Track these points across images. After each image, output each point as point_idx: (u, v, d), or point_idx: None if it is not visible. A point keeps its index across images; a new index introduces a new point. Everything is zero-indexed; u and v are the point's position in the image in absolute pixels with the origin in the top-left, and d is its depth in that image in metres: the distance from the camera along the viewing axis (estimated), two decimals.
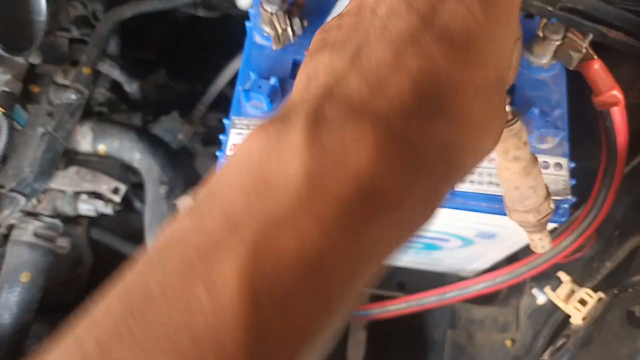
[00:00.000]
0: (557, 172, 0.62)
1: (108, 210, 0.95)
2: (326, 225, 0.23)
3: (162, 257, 0.24)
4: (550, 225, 0.66)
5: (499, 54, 0.29)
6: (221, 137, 0.63)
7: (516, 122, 0.45)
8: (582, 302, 0.70)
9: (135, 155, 0.97)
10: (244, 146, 0.26)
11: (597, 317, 0.66)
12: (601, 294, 0.69)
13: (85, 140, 0.95)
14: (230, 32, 0.82)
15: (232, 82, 1.01)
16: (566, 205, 0.62)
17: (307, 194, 0.24)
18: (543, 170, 0.61)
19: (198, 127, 1.11)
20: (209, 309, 0.22)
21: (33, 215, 0.91)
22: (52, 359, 0.23)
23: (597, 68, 0.62)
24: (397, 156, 0.25)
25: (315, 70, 0.27)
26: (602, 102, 0.63)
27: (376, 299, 1.11)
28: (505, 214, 0.63)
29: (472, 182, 0.62)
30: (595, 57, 0.62)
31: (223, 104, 0.83)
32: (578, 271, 0.79)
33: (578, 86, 0.65)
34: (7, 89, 0.80)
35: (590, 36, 0.62)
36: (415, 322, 1.22)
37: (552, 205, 0.53)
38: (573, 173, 0.62)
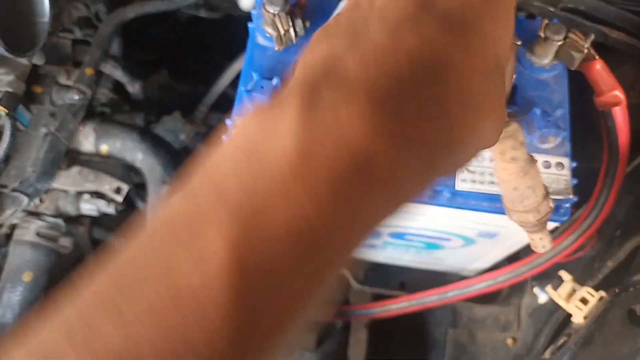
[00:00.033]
0: (558, 171, 0.62)
1: (110, 210, 0.95)
2: (318, 197, 0.23)
3: (153, 235, 0.24)
4: (552, 225, 0.66)
5: (497, 43, 0.29)
6: (224, 137, 0.63)
7: (512, 123, 0.45)
8: (584, 301, 0.70)
9: (138, 155, 0.97)
10: (240, 129, 0.26)
11: (598, 316, 0.66)
12: (602, 293, 0.69)
13: (87, 140, 0.95)
14: (232, 32, 0.82)
15: (234, 83, 1.01)
16: (567, 205, 0.62)
17: (300, 167, 0.23)
18: (544, 170, 0.61)
19: (200, 128, 1.11)
20: (196, 281, 0.22)
21: (35, 215, 0.91)
22: (37, 332, 0.23)
23: (598, 68, 0.63)
24: (392, 130, 0.24)
25: (313, 58, 0.27)
26: (603, 102, 0.63)
27: (377, 298, 1.12)
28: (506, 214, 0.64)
29: (473, 181, 0.63)
30: (597, 57, 0.63)
31: (225, 105, 0.83)
32: (579, 270, 0.79)
33: (580, 86, 0.65)
34: (10, 90, 0.80)
35: (592, 36, 0.62)
36: (417, 321, 1.22)
37: (552, 204, 0.53)
38: (574, 173, 0.62)
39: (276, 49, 0.65)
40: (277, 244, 0.22)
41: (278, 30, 0.63)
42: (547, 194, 0.52)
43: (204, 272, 0.22)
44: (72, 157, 0.95)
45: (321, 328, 1.24)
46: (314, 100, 0.25)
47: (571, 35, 0.62)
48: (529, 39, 0.65)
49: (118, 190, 0.95)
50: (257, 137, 0.25)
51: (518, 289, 0.99)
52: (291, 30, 0.64)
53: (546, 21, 0.62)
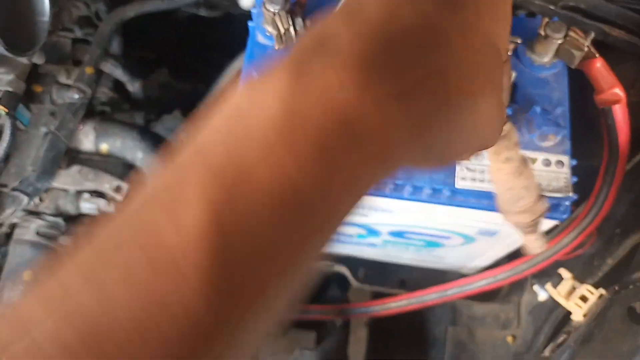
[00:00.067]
0: (558, 169, 0.62)
1: (110, 209, 0.95)
2: (302, 157, 0.23)
3: (135, 203, 0.23)
4: (552, 223, 0.66)
5: (494, 25, 0.29)
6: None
7: (506, 123, 0.45)
8: (583, 298, 0.70)
9: (138, 154, 0.97)
10: (230, 100, 0.25)
11: (598, 313, 0.67)
12: (602, 291, 0.69)
13: (87, 139, 0.95)
14: (233, 31, 0.82)
15: None
16: (567, 203, 0.62)
17: (284, 128, 0.23)
18: (544, 168, 0.62)
19: None
20: (173, 242, 0.21)
21: (35, 214, 0.91)
22: (15, 302, 0.22)
23: (598, 66, 0.63)
24: (383, 94, 0.24)
25: (309, 36, 0.27)
26: (603, 100, 0.63)
27: (377, 296, 1.12)
28: None
29: (473, 179, 0.63)
30: (597, 55, 0.63)
31: None
32: (579, 268, 0.79)
33: (580, 84, 0.65)
34: (10, 89, 0.80)
35: (592, 34, 0.62)
36: (417, 319, 1.22)
37: (546, 204, 0.53)
38: (574, 171, 0.62)
39: (276, 47, 0.65)
40: (259, 204, 0.22)
41: (278, 29, 0.63)
42: (541, 194, 0.52)
43: (181, 233, 0.21)
44: (72, 156, 0.95)
45: (321, 327, 1.24)
46: (304, 69, 0.24)
47: (571, 33, 0.62)
48: (529, 37, 0.65)
49: (118, 189, 0.95)
50: (245, 105, 0.24)
51: (518, 286, 0.99)
52: (291, 29, 0.64)
53: (546, 19, 0.62)
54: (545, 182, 0.62)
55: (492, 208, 0.63)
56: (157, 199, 0.23)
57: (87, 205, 0.94)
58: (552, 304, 0.83)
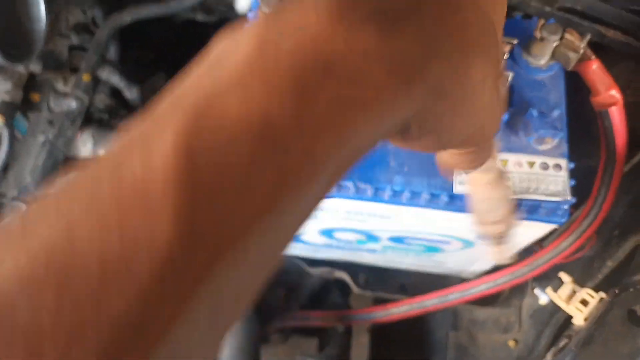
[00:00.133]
0: (556, 173, 0.62)
1: None
2: (276, 88, 0.21)
3: (110, 149, 0.22)
4: (550, 226, 0.66)
5: (490, 4, 0.28)
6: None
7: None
8: (584, 302, 0.70)
9: None
10: (208, 51, 0.24)
11: (598, 316, 0.66)
12: (602, 294, 0.69)
13: (86, 147, 0.95)
14: None
15: None
16: (566, 206, 0.62)
17: (258, 59, 0.22)
18: (542, 171, 0.62)
19: None
20: (139, 175, 0.20)
21: None
22: None
23: (595, 68, 0.63)
24: (367, 29, 0.23)
25: None
26: (600, 102, 0.63)
27: (378, 301, 1.12)
28: None
29: None
30: (593, 57, 0.63)
31: None
32: (579, 271, 0.79)
33: (575, 86, 0.65)
34: (7, 98, 0.80)
35: (588, 36, 0.62)
36: (418, 324, 1.22)
37: (516, 219, 0.53)
38: (572, 173, 0.62)
39: None
40: (230, 135, 0.21)
41: None
42: (513, 208, 0.52)
43: (148, 164, 0.20)
44: (71, 164, 0.95)
45: (323, 333, 1.24)
46: (281, 10, 0.24)
47: (567, 35, 0.62)
48: (525, 39, 0.65)
49: None
50: (220, 49, 0.24)
51: (518, 290, 0.99)
52: None
53: (542, 21, 0.62)
54: (543, 186, 0.62)
55: None
56: (130, 141, 0.22)
57: None
58: (553, 307, 0.82)
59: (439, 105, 0.26)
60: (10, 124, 0.80)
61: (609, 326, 0.64)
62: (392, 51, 0.23)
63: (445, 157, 0.36)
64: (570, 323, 0.72)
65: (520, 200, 0.62)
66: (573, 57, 0.62)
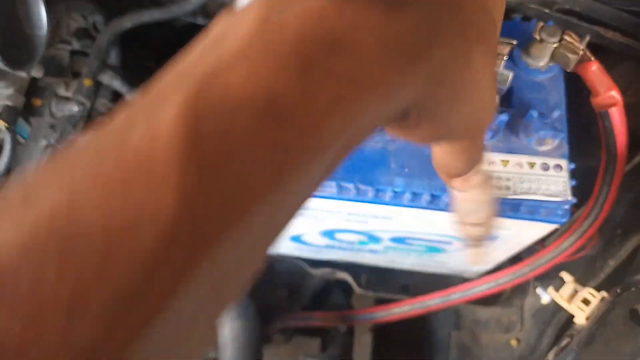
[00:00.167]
0: (557, 173, 0.62)
1: None
2: (281, 63, 0.21)
3: (112, 120, 0.22)
4: (552, 227, 0.66)
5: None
6: None
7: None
8: (585, 301, 0.70)
9: None
10: (211, 29, 0.24)
11: (600, 316, 0.67)
12: (604, 294, 0.69)
13: None
14: None
15: None
16: (567, 207, 0.63)
17: (262, 34, 0.22)
18: (543, 172, 0.62)
19: None
20: (143, 145, 0.20)
21: None
22: None
23: (594, 69, 0.63)
24: (367, 3, 0.23)
25: None
26: (600, 103, 0.63)
27: (380, 301, 1.12)
28: (506, 216, 0.64)
29: None
30: (593, 58, 0.63)
31: None
32: (581, 270, 0.79)
33: (576, 87, 0.66)
34: (9, 103, 0.80)
35: (587, 38, 0.62)
36: (420, 324, 1.22)
37: (496, 224, 0.54)
38: (573, 174, 0.62)
39: None
40: (235, 109, 0.20)
41: None
42: (495, 212, 0.53)
43: (152, 134, 0.20)
44: None
45: (325, 333, 1.24)
46: None
47: (566, 37, 0.62)
48: (524, 41, 0.66)
49: None
50: (223, 26, 0.24)
51: (520, 289, 0.99)
52: None
53: (541, 23, 0.62)
54: (544, 186, 0.62)
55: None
56: (133, 111, 0.21)
57: None
58: (555, 306, 0.82)
59: (440, 92, 0.27)
60: (12, 129, 0.80)
61: (610, 325, 0.64)
62: (398, 32, 0.23)
63: (438, 154, 0.37)
64: (572, 322, 0.72)
65: (521, 200, 0.63)
66: (572, 58, 0.62)
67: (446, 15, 0.25)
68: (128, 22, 0.92)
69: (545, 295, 0.89)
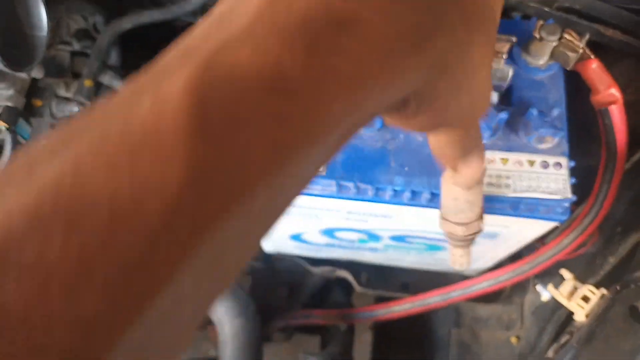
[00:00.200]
0: (556, 171, 0.62)
1: None
2: (288, 40, 0.21)
3: (116, 94, 0.22)
4: (551, 224, 0.66)
5: None
6: None
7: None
8: (585, 299, 0.70)
9: None
10: (215, 8, 0.24)
11: (600, 313, 0.67)
12: (604, 291, 0.69)
13: None
14: None
15: None
16: (566, 204, 0.63)
17: (269, 11, 0.22)
18: (543, 170, 0.62)
19: None
20: (150, 117, 0.19)
21: None
22: None
23: (594, 67, 0.63)
24: None
25: None
26: (600, 101, 0.63)
27: (380, 300, 1.12)
28: (506, 214, 0.64)
29: None
30: (592, 56, 0.63)
31: None
32: (581, 267, 0.79)
33: (575, 85, 0.66)
34: (10, 104, 0.80)
35: (587, 36, 0.62)
36: (420, 322, 1.23)
37: (481, 227, 0.53)
38: (573, 172, 0.63)
39: None
40: (242, 84, 0.20)
41: None
42: (481, 215, 0.53)
43: (158, 107, 0.20)
44: None
45: (325, 331, 1.24)
46: None
47: (566, 35, 0.62)
48: (524, 39, 0.66)
49: None
50: (229, 3, 0.23)
51: (520, 287, 1.00)
52: None
53: (541, 22, 0.62)
54: (544, 184, 0.62)
55: (491, 211, 0.63)
56: (139, 85, 0.21)
57: None
58: (555, 304, 0.83)
59: (441, 80, 0.27)
60: (13, 130, 0.81)
61: (610, 323, 0.64)
62: (404, 17, 0.23)
63: (433, 142, 0.37)
64: (572, 320, 0.73)
65: (521, 198, 0.63)
66: (572, 56, 0.62)
67: (449, 4, 0.25)
68: (128, 22, 0.92)
69: (545, 293, 0.89)
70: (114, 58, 1.00)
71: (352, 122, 0.24)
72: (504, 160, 0.64)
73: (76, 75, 0.94)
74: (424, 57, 0.25)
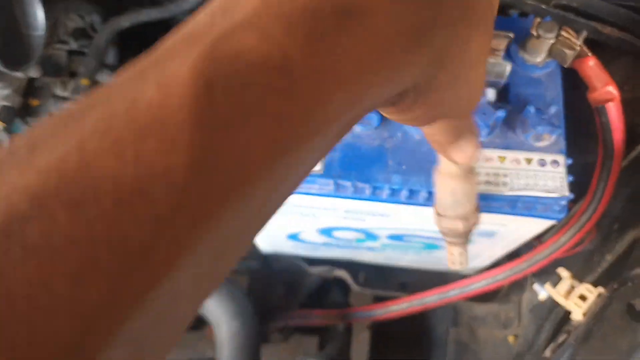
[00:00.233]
0: (554, 169, 0.62)
1: None
2: (293, 28, 0.21)
3: (119, 77, 0.21)
4: (549, 222, 0.66)
5: None
6: None
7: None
8: (582, 297, 0.70)
9: None
10: None
11: (597, 311, 0.67)
12: (601, 289, 0.69)
13: None
14: None
15: None
16: (564, 202, 0.63)
17: (273, 1, 0.22)
18: (540, 168, 0.62)
19: None
20: (155, 100, 0.19)
21: None
22: None
23: (591, 65, 0.63)
24: None
25: None
26: (597, 98, 0.63)
27: (378, 299, 1.12)
28: (504, 213, 0.64)
29: None
30: (590, 54, 0.63)
31: None
32: (578, 265, 0.79)
33: (573, 83, 0.66)
34: (7, 104, 0.80)
35: (584, 33, 0.62)
36: (418, 322, 1.22)
37: (479, 218, 0.53)
38: (570, 169, 0.63)
39: None
40: (247, 69, 0.20)
41: None
42: (478, 206, 0.52)
43: (164, 90, 0.19)
44: None
45: (323, 332, 1.24)
46: None
47: (563, 33, 0.62)
48: (521, 37, 0.66)
49: None
50: None
51: (518, 285, 1.00)
52: None
53: (538, 19, 0.63)
54: (541, 182, 0.62)
55: (488, 210, 0.63)
56: (144, 67, 0.21)
57: None
58: (552, 302, 0.83)
59: (439, 74, 0.27)
60: (9, 130, 0.80)
61: (608, 321, 0.64)
62: (405, 10, 0.23)
63: (427, 132, 0.37)
64: (569, 318, 0.73)
65: (518, 196, 0.63)
66: (569, 54, 0.62)
67: (451, 1, 0.25)
68: (126, 21, 0.92)
69: (543, 291, 0.89)
70: (111, 57, 1.00)
71: (352, 116, 0.24)
72: (502, 158, 0.64)
73: (73, 75, 0.93)
74: (425, 52, 0.25)
